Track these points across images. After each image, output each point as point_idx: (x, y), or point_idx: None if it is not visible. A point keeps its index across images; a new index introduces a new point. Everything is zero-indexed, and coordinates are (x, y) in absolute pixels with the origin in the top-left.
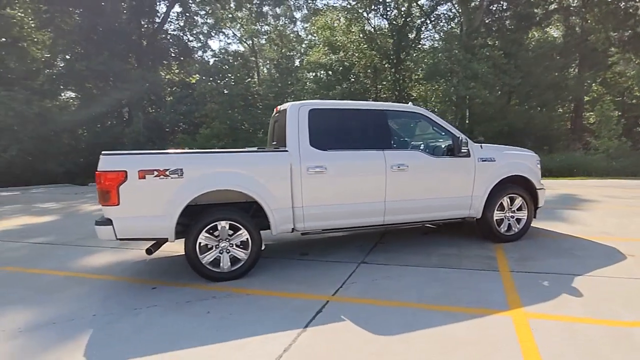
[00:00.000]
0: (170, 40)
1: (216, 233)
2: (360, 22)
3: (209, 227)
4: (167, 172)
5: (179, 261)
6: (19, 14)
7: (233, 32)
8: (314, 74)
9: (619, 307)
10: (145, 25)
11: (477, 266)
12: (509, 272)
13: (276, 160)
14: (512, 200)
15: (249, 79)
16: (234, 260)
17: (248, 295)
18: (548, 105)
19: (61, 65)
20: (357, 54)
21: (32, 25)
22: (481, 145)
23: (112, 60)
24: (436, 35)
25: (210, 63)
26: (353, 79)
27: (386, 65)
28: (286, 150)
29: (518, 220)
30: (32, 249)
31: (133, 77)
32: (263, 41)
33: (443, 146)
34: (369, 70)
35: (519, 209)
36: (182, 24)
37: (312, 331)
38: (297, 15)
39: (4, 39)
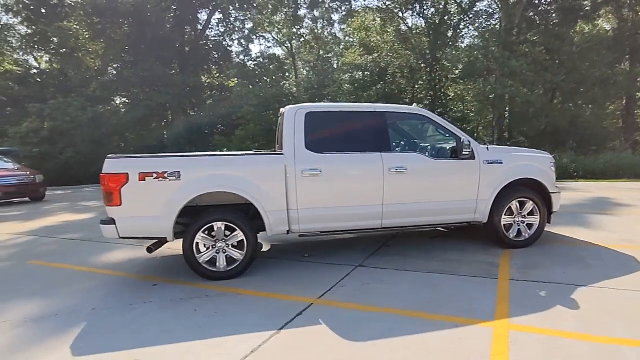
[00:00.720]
0: (211, 46)
1: (213, 234)
2: (395, 22)
3: (205, 227)
4: (166, 175)
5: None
6: (75, 26)
7: (273, 36)
8: (350, 75)
9: (615, 323)
10: (188, 33)
11: (476, 273)
12: (508, 280)
13: (271, 163)
14: (522, 204)
15: (285, 82)
16: (230, 260)
17: (239, 295)
18: (595, 103)
19: (113, 72)
20: (391, 54)
21: (87, 36)
22: (487, 147)
23: (157, 67)
24: (475, 33)
25: (248, 67)
26: (389, 80)
27: (422, 65)
28: (282, 153)
29: (529, 226)
30: (62, 244)
31: (175, 82)
32: (298, 44)
33: (446, 148)
34: (405, 71)
35: (530, 213)
36: (222, 30)
37: (285, 333)
38: (335, 17)
39: (63, 50)
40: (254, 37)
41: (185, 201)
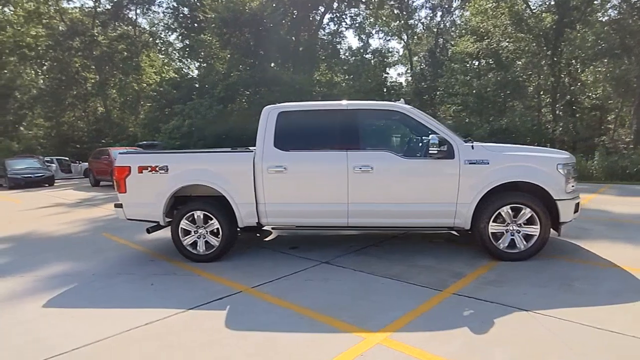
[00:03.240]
0: (324, 44)
1: (194, 221)
2: (510, 2)
3: (187, 215)
4: (157, 168)
5: None
6: (208, 37)
7: (387, 29)
8: (463, 64)
9: (501, 352)
10: (303, 33)
11: (427, 282)
12: (452, 294)
13: (240, 159)
14: (516, 211)
15: (387, 75)
16: (208, 245)
17: (197, 277)
18: None
19: (236, 75)
20: (503, 39)
21: (217, 45)
22: (472, 146)
23: (269, 68)
24: (614, 2)
25: (351, 62)
26: (507, 66)
27: (544, 47)
28: (251, 151)
29: (527, 237)
30: (133, 224)
31: (285, 81)
32: (412, 34)
33: (420, 147)
34: (525, 56)
35: (530, 222)
36: (334, 28)
37: (188, 313)
38: (455, 3)
39: (200, 59)
40: (373, 31)
41: (171, 191)
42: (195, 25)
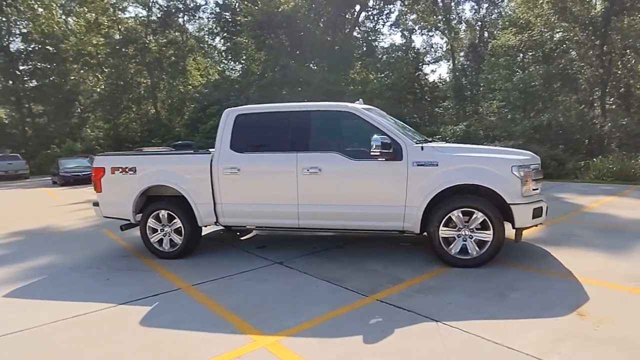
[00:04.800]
0: (359, 42)
1: (160, 219)
2: None
3: (154, 214)
4: (127, 169)
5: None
6: (244, 40)
7: (426, 24)
8: (506, 58)
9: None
10: (338, 34)
11: (360, 287)
12: (376, 300)
13: (198, 161)
14: (468, 215)
15: (419, 72)
16: (172, 243)
17: (153, 273)
18: None
19: (271, 75)
20: (548, 29)
21: (253, 47)
22: (422, 147)
23: (305, 67)
24: None
25: (383, 59)
26: (555, 56)
27: (592, 37)
28: (209, 153)
29: (480, 243)
30: None
31: (317, 80)
32: (446, 31)
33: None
34: (572, 47)
35: (483, 227)
36: (370, 26)
37: (118, 307)
38: None
39: (235, 61)
40: (416, 27)
41: (138, 191)
42: (237, 28)
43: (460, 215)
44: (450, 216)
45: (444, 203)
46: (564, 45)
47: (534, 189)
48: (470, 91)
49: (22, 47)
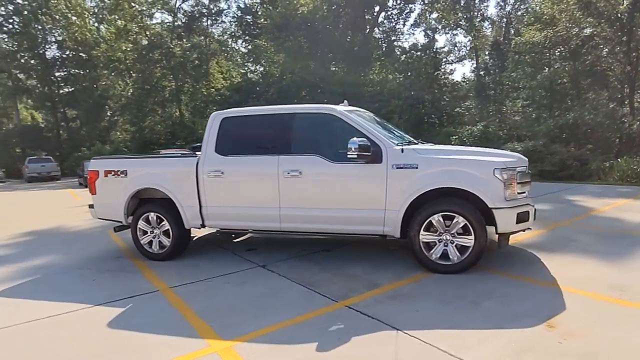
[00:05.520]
0: (378, 43)
1: (150, 222)
2: None
3: (144, 216)
4: (119, 172)
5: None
6: (264, 43)
7: (448, 23)
8: (530, 55)
9: None
10: (357, 34)
11: (332, 292)
12: (345, 306)
13: (185, 164)
14: (449, 219)
15: (437, 72)
16: (161, 245)
17: (138, 275)
18: None
19: (289, 76)
20: (573, 25)
21: (272, 50)
22: (402, 149)
23: (324, 68)
24: None
25: (402, 59)
26: (582, 52)
27: (619, 33)
28: (195, 156)
29: (462, 248)
30: None
31: (334, 81)
32: (477, 26)
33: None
34: (600, 43)
35: (465, 232)
36: (390, 26)
37: (93, 309)
38: None
39: (256, 64)
40: (439, 26)
41: (129, 194)
42: (257, 31)
43: (441, 219)
44: (431, 220)
45: (425, 207)
46: (593, 42)
47: (519, 193)
48: (494, 90)
49: (57, 54)
